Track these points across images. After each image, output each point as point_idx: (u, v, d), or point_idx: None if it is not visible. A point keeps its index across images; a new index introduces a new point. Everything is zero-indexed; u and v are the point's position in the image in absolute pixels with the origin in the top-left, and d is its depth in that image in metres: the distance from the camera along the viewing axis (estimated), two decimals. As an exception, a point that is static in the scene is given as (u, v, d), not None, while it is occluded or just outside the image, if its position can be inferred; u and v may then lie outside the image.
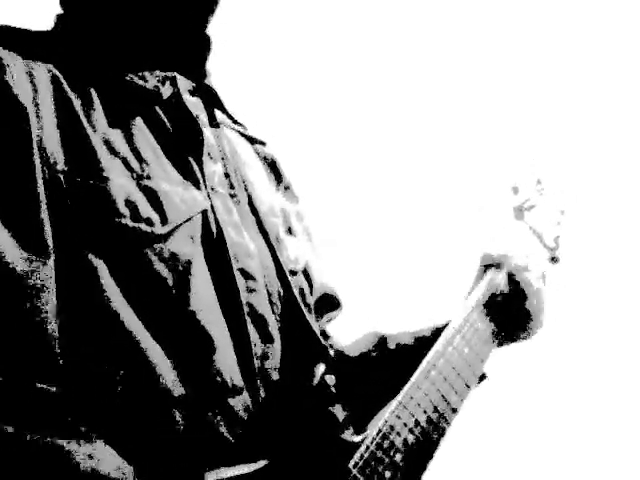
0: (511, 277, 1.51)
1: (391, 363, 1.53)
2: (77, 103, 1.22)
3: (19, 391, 1.07)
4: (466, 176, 2.46)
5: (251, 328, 1.26)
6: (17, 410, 1.06)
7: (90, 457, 1.06)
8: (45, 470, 1.04)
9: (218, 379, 1.20)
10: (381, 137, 2.76)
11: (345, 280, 1.75)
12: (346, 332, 1.62)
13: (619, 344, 2.74)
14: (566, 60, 2.56)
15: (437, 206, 2.66)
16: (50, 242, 1.13)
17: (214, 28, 1.42)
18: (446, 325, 1.51)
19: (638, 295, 2.69)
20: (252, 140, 1.57)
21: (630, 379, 2.74)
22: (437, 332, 1.53)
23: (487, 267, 1.55)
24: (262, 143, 1.59)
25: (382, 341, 1.56)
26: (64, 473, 1.04)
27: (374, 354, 1.55)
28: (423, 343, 1.53)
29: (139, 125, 1.28)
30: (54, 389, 1.08)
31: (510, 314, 1.50)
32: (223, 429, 1.19)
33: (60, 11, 1.39)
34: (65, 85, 1.23)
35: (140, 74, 1.32)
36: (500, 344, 1.52)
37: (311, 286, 1.50)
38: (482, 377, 1.48)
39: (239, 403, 1.21)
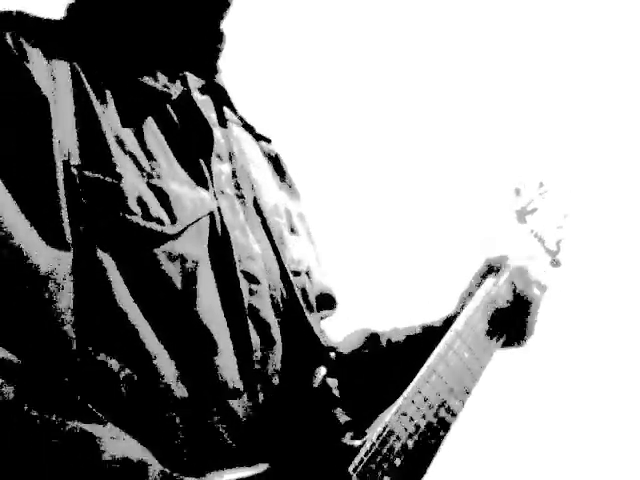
0: (512, 283, 1.51)
1: (383, 360, 1.54)
2: (95, 100, 1.22)
3: (40, 380, 1.08)
4: (468, 176, 2.45)
5: (252, 331, 1.26)
6: (40, 397, 1.07)
7: (116, 440, 1.07)
8: (69, 453, 1.05)
9: (219, 381, 1.21)
10: (382, 134, 2.75)
11: (344, 277, 1.75)
12: (343, 330, 1.62)
13: (620, 347, 2.74)
14: (569, 63, 2.55)
15: (438, 206, 2.66)
16: (69, 236, 1.14)
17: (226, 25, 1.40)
18: (438, 324, 1.52)
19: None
20: (258, 137, 1.57)
21: (629, 381, 2.74)
22: (428, 330, 1.54)
23: (488, 270, 1.55)
24: (267, 140, 1.59)
25: (373, 338, 1.57)
26: (89, 455, 1.05)
27: (366, 351, 1.55)
28: (414, 340, 1.54)
29: (150, 124, 1.27)
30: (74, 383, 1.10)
31: (509, 320, 1.50)
32: (223, 431, 1.19)
33: (72, 0, 1.37)
34: (84, 80, 1.23)
35: (152, 73, 1.31)
36: (500, 347, 1.52)
37: (312, 285, 1.50)
38: None
39: (239, 406, 1.22)
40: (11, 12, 1.26)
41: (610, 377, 2.73)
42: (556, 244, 1.66)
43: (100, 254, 1.15)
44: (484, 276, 1.54)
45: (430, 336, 1.50)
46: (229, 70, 1.45)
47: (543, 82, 2.53)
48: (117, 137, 1.21)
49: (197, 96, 1.37)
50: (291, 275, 1.37)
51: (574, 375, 2.73)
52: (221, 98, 1.44)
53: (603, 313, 2.67)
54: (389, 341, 1.56)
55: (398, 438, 1.28)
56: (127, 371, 1.14)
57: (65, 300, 1.11)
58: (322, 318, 1.57)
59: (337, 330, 1.60)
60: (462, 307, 1.50)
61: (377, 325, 1.62)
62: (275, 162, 1.59)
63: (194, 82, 1.38)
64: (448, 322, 1.50)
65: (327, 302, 1.59)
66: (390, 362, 1.53)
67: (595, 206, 1.69)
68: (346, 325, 1.63)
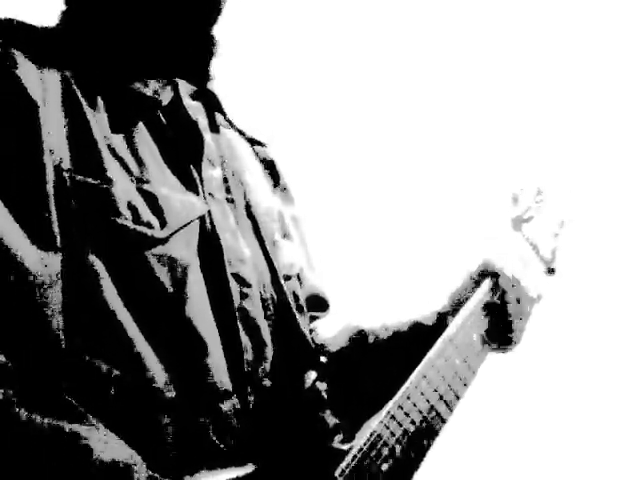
0: (505, 290, 1.51)
1: (369, 358, 1.54)
2: (85, 104, 1.24)
3: (30, 381, 1.09)
4: (465, 182, 2.46)
5: (243, 334, 1.28)
6: (30, 398, 1.08)
7: (104, 442, 1.08)
8: (58, 454, 1.06)
9: (209, 383, 1.22)
10: (379, 137, 2.75)
11: (340, 275, 1.75)
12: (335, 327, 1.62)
13: (615, 354, 2.74)
14: (569, 71, 2.55)
15: (434, 208, 2.66)
16: (58, 238, 1.15)
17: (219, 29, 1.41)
18: (429, 323, 1.52)
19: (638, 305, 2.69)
20: (252, 141, 1.58)
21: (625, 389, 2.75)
22: (417, 327, 1.54)
23: (482, 276, 1.55)
24: (261, 144, 1.60)
25: (361, 335, 1.56)
26: (78, 458, 1.06)
27: (353, 349, 1.55)
28: (402, 338, 1.54)
29: (141, 130, 1.29)
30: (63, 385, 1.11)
31: (500, 327, 1.50)
32: (212, 433, 1.20)
33: (64, 7, 1.38)
34: (74, 85, 1.24)
35: (142, 79, 1.33)
36: (490, 352, 1.53)
37: (304, 288, 1.51)
38: None
39: (229, 408, 1.23)
40: (0, 20, 1.27)
41: (605, 385, 2.73)
42: (551, 252, 1.66)
43: (90, 257, 1.17)
44: (478, 281, 1.54)
45: (419, 333, 1.51)
46: (224, 74, 1.46)
47: (545, 90, 2.54)
48: (108, 142, 1.23)
49: (188, 102, 1.38)
50: (282, 279, 1.38)
51: (568, 384, 2.73)
52: (212, 104, 1.45)
53: (598, 320, 2.67)
54: (377, 338, 1.56)
55: (386, 443, 1.28)
56: (116, 373, 1.15)
57: (54, 302, 1.12)
58: (314, 318, 1.58)
59: (330, 327, 1.61)
60: (455, 310, 1.50)
61: (369, 321, 1.62)
62: (269, 166, 1.59)
63: (185, 88, 1.39)
64: (439, 321, 1.51)
65: (319, 304, 1.60)
66: (377, 360, 1.53)
67: (592, 215, 1.69)
68: (339, 322, 1.63)
